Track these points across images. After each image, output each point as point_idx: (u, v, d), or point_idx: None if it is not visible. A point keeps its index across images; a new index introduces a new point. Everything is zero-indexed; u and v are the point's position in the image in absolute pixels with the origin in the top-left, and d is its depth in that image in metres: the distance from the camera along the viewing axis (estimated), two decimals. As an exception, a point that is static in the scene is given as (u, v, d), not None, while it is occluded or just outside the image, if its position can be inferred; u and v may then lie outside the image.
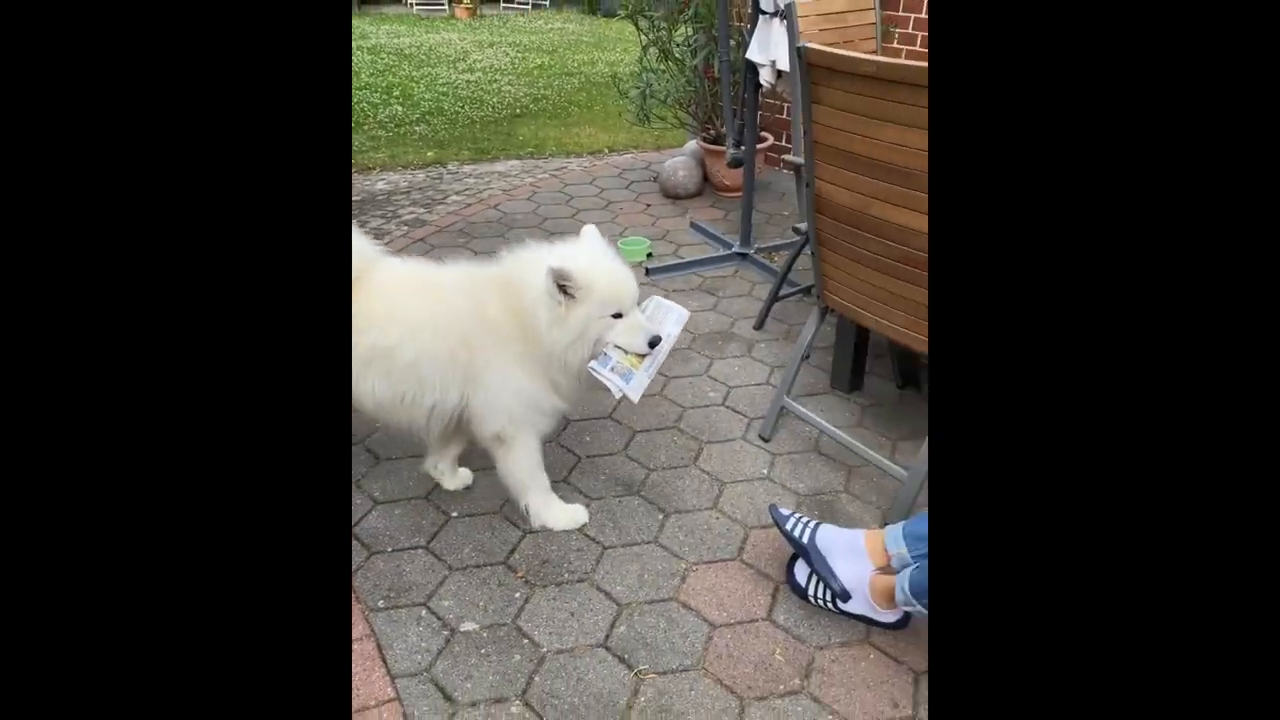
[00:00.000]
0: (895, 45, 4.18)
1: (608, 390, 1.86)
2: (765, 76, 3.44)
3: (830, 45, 2.13)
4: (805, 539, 1.87)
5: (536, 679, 1.73)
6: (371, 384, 1.90)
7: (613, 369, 1.85)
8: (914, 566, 1.68)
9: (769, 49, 3.36)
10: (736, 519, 2.19)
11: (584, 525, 2.15)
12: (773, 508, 1.97)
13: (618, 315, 1.84)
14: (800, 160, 2.83)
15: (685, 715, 1.66)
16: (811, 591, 1.89)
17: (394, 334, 1.86)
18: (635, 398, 1.86)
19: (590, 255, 1.84)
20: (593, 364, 1.86)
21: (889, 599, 1.75)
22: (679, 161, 4.50)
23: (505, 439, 2.00)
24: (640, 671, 1.75)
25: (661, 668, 1.76)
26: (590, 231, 1.92)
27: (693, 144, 4.69)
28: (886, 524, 2.14)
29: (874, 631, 1.84)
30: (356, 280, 1.88)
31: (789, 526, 1.91)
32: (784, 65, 3.30)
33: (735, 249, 3.75)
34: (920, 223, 1.98)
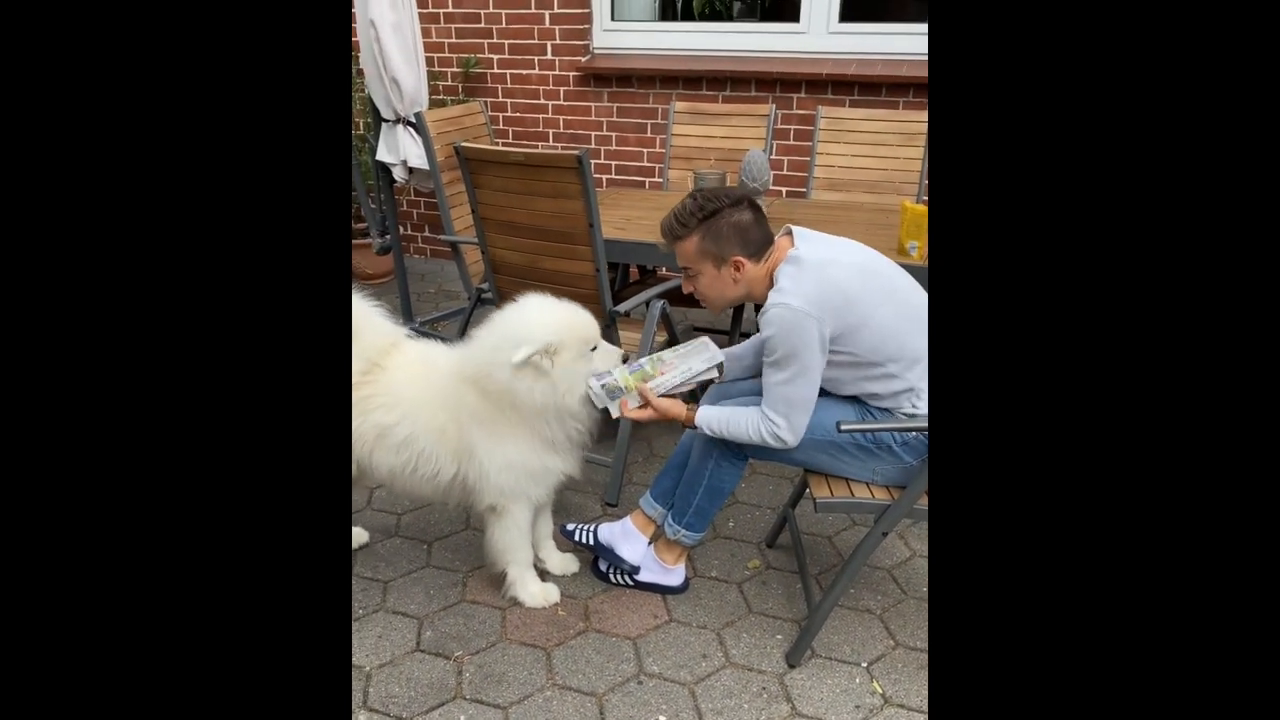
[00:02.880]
0: (509, 140, 4.91)
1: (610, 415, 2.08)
2: (399, 174, 3.92)
3: (466, 142, 2.70)
4: (590, 541, 2.35)
5: (371, 690, 2.01)
6: (382, 456, 2.10)
7: (604, 386, 2.04)
8: (671, 510, 2.25)
9: (397, 151, 3.86)
10: (489, 531, 2.62)
11: (555, 604, 2.30)
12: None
13: (593, 349, 2.05)
14: (455, 238, 3.37)
15: (506, 674, 2.06)
16: (612, 576, 2.36)
17: (396, 413, 2.06)
18: (615, 413, 2.06)
19: (538, 312, 2.02)
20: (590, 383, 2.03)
21: (669, 548, 2.29)
22: (317, 260, 4.76)
23: (498, 510, 2.16)
24: (457, 657, 2.11)
25: (474, 649, 2.14)
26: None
27: (326, 242, 4.97)
28: (606, 504, 2.72)
29: (624, 575, 2.39)
30: (378, 362, 2.08)
31: (576, 538, 2.36)
32: (415, 163, 3.82)
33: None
34: (581, 268, 2.62)
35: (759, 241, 1.92)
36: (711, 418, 2.03)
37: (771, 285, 1.91)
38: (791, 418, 1.91)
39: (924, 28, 3.93)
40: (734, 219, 1.89)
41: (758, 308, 2.05)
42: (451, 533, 2.61)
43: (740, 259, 1.90)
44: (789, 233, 1.98)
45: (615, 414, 2.07)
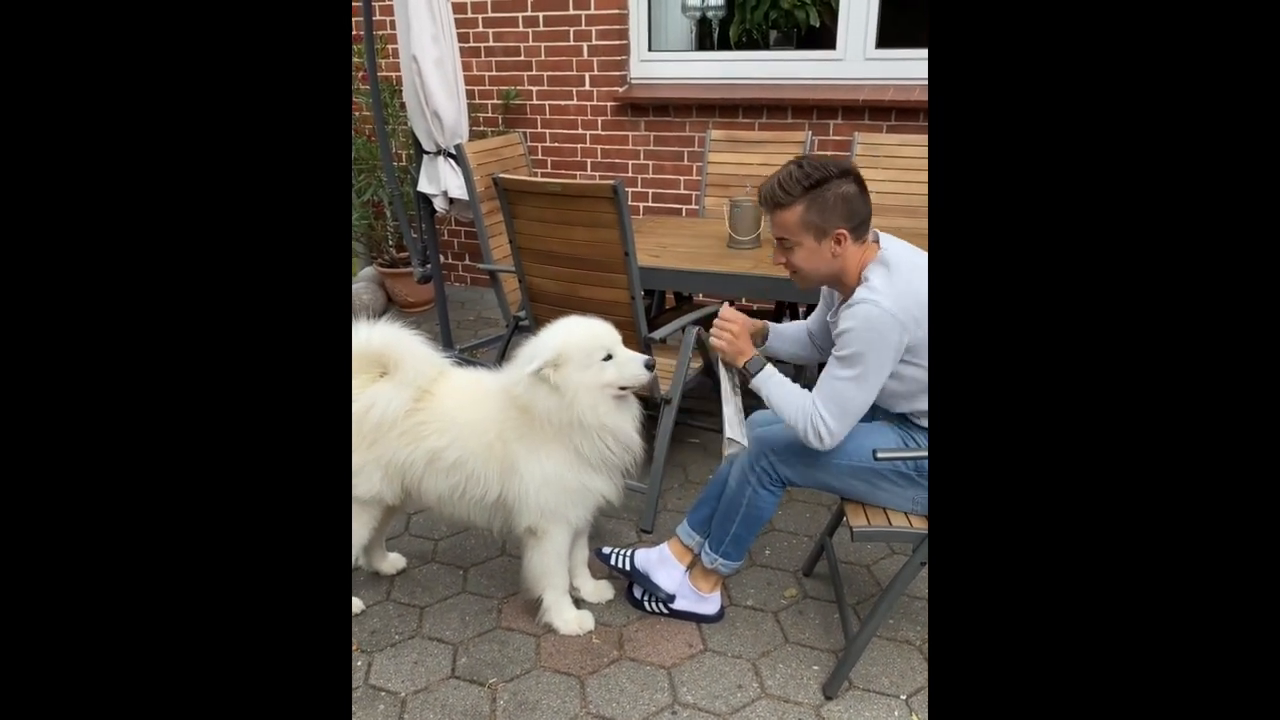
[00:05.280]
0: (548, 169, 4.99)
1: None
2: (439, 204, 3.99)
3: (503, 173, 2.75)
4: (626, 566, 2.34)
5: (405, 717, 2.01)
6: (433, 481, 2.14)
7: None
8: (708, 539, 2.24)
9: (438, 182, 3.93)
10: (524, 558, 2.62)
11: (590, 631, 2.29)
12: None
13: (608, 358, 2.05)
14: (494, 267, 3.41)
15: (540, 702, 2.05)
16: (647, 604, 2.35)
17: (447, 437, 2.11)
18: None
19: (554, 329, 2.09)
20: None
21: (705, 576, 2.28)
22: (360, 286, 4.85)
23: (537, 532, 2.17)
24: (491, 684, 2.11)
25: (508, 676, 2.14)
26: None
27: (369, 270, 5.07)
28: (641, 530, 2.72)
29: (659, 603, 2.37)
30: (427, 391, 2.14)
31: (612, 562, 2.36)
32: (455, 194, 3.88)
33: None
34: (617, 295, 2.64)
35: (863, 217, 1.86)
36: (773, 382, 1.97)
37: (858, 280, 1.86)
38: (840, 419, 1.85)
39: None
40: (841, 190, 1.82)
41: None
42: (487, 558, 2.62)
43: (843, 232, 1.84)
44: (875, 237, 1.93)
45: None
